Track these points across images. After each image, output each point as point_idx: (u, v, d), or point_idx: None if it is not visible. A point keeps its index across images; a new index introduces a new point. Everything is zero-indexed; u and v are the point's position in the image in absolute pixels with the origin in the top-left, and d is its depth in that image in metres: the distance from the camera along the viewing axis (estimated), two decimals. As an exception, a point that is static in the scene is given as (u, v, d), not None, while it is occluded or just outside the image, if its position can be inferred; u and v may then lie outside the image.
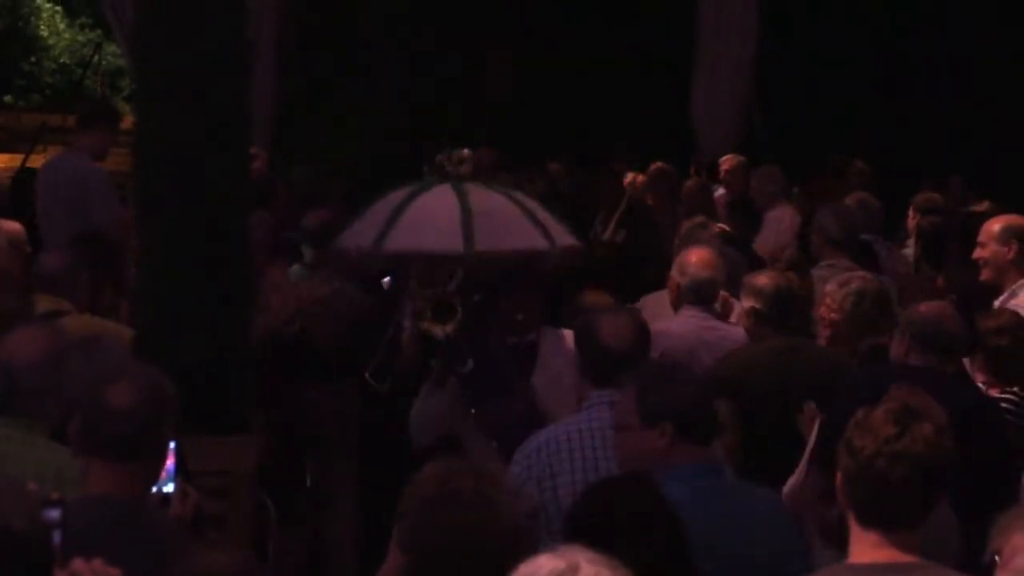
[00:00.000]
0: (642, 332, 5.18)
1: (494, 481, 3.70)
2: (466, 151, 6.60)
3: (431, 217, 6.25)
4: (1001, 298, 7.19)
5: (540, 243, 6.35)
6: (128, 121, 8.77)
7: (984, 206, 10.17)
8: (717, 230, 8.75)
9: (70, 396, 4.43)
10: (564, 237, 6.54)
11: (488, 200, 6.40)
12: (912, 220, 9.80)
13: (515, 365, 6.26)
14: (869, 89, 15.50)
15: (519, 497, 3.87)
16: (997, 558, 3.41)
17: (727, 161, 12.54)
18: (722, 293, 7.04)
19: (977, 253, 7.37)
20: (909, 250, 9.56)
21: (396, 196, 6.46)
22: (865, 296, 6.53)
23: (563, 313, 6.81)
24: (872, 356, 6.17)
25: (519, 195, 6.73)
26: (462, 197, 6.29)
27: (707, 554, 3.96)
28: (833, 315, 6.53)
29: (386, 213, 6.32)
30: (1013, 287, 7.20)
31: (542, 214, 6.56)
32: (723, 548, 4.15)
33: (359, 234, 6.38)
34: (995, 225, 7.35)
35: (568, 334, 5.95)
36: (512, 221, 6.37)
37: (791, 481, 5.49)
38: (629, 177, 12.22)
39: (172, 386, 4.15)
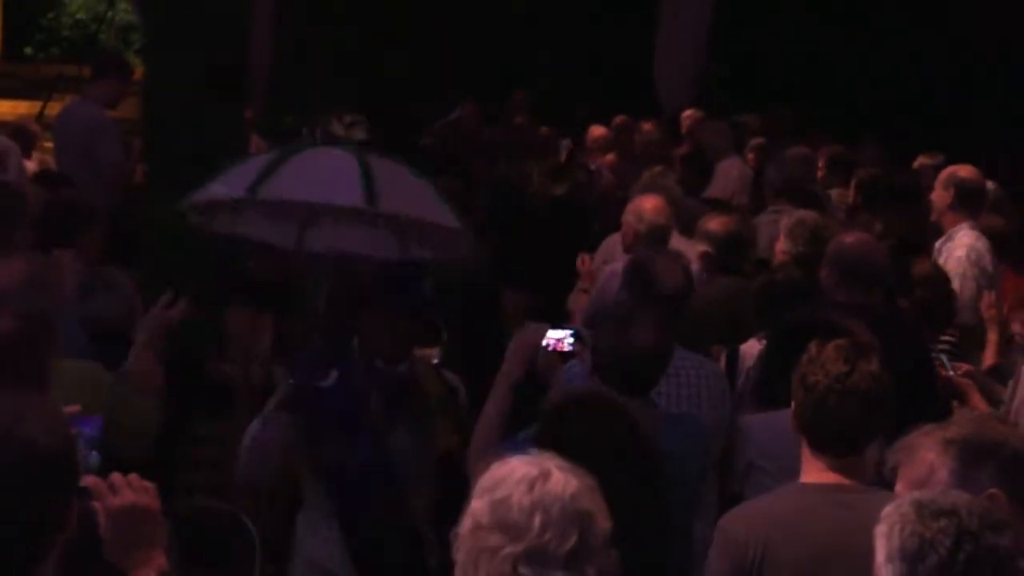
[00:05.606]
0: (688, 279, 5.09)
1: None
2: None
3: (324, 169, 5.29)
4: (939, 240, 7.70)
5: (451, 222, 5.35)
6: (139, 72, 9.10)
7: (938, 159, 10.35)
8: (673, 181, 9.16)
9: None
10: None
11: (390, 167, 5.38)
12: (822, 172, 9.97)
13: (380, 397, 5.17)
14: (823, 46, 15.58)
15: None
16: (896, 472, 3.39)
17: (688, 116, 12.62)
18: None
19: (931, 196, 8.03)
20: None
21: (267, 155, 5.49)
22: (819, 230, 6.77)
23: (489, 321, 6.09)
24: (790, 291, 6.21)
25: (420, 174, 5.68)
26: (361, 157, 5.23)
27: None
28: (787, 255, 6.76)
29: (260, 165, 5.27)
30: (950, 231, 7.72)
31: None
32: None
33: (228, 182, 5.32)
34: (943, 173, 7.98)
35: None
36: (418, 192, 5.39)
37: None
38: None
39: (52, 317, 4.23)
